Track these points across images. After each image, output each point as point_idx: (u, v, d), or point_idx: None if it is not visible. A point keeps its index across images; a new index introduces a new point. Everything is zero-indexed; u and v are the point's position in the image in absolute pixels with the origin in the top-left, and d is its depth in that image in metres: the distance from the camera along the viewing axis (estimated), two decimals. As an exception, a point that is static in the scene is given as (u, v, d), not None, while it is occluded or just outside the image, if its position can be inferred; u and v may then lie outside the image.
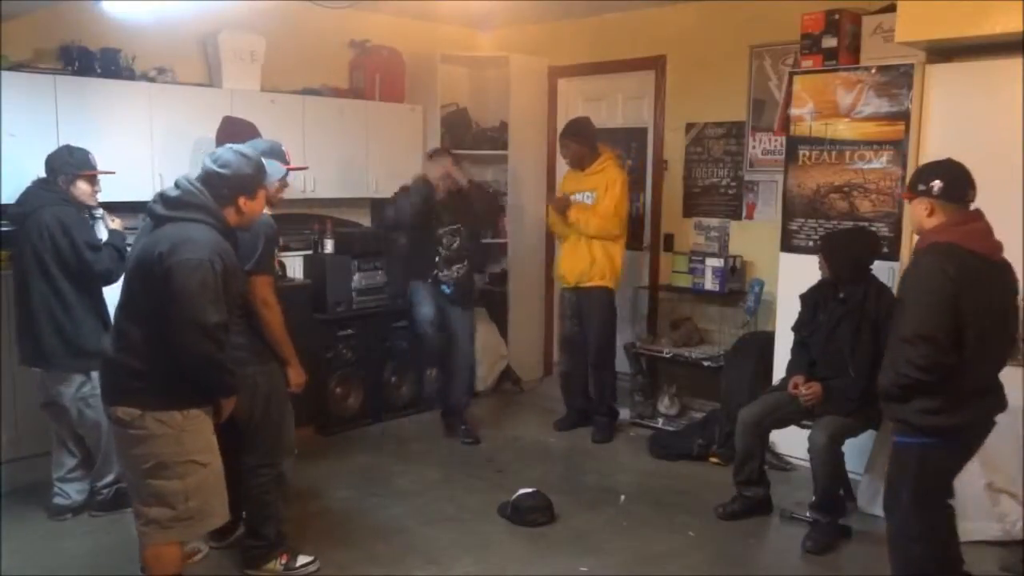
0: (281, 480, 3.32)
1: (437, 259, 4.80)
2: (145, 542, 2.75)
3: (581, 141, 4.91)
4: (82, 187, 3.68)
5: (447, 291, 4.82)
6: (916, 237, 2.91)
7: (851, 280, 3.71)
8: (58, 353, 3.57)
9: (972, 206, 2.80)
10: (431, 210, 4.73)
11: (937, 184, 2.74)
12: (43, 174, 3.72)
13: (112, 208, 3.88)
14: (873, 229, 4.08)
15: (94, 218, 3.76)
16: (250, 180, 2.77)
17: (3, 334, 3.95)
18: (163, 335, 2.56)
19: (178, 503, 2.67)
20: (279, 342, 3.23)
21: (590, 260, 4.89)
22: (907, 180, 2.94)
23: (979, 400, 2.77)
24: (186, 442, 2.65)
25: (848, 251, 3.74)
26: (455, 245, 4.83)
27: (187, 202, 2.66)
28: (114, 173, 3.86)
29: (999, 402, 2.84)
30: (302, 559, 3.36)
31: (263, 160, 2.91)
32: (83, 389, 3.58)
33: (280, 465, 3.30)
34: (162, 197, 2.70)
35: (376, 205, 5.62)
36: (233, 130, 3.96)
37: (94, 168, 3.74)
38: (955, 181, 2.76)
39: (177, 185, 2.71)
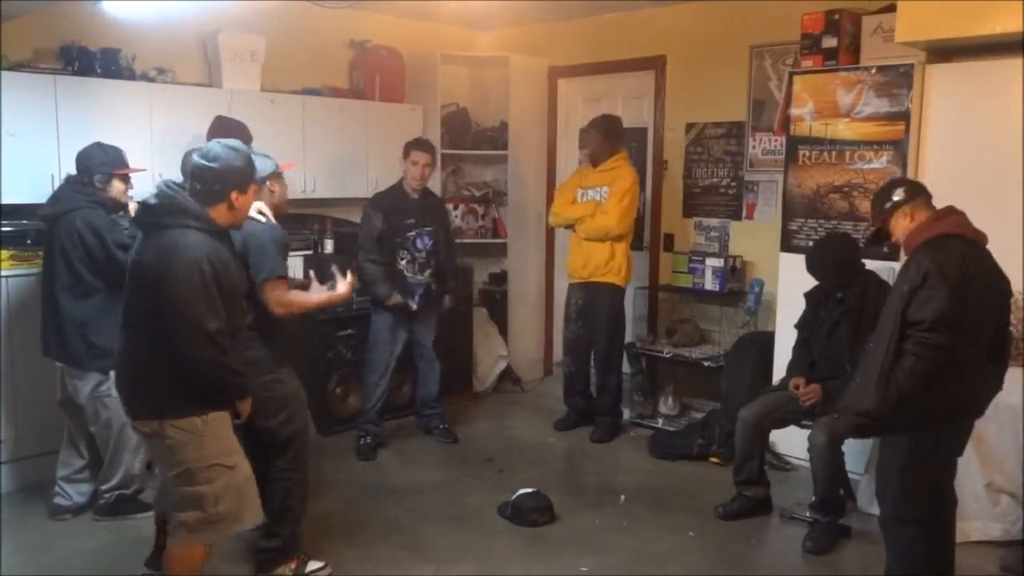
0: (305, 484, 3.32)
1: (405, 263, 4.62)
2: (173, 542, 2.75)
3: (605, 136, 4.91)
4: (117, 186, 3.71)
5: (413, 306, 4.63)
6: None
7: (841, 284, 3.72)
8: (80, 351, 3.59)
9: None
10: (400, 215, 4.60)
11: (899, 192, 2.93)
12: (57, 176, 3.74)
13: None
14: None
15: (125, 214, 3.76)
16: (240, 173, 2.70)
17: (2, 334, 3.96)
18: (165, 344, 2.55)
19: (208, 506, 2.66)
20: (320, 303, 3.23)
21: (608, 255, 4.86)
22: (872, 212, 3.09)
23: (975, 382, 2.79)
24: (208, 446, 2.64)
25: (826, 258, 3.78)
26: (427, 248, 4.66)
27: (168, 208, 2.60)
28: (145, 170, 3.87)
29: (994, 386, 2.86)
30: (313, 564, 3.32)
31: (253, 156, 2.84)
32: (100, 388, 3.60)
33: (307, 469, 3.31)
34: (143, 205, 2.66)
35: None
36: (225, 129, 3.96)
37: (128, 166, 3.76)
38: (912, 184, 3.01)
39: (157, 191, 2.65)
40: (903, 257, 3.97)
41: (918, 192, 2.93)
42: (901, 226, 2.92)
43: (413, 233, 4.63)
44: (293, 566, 3.28)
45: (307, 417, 3.34)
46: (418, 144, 4.68)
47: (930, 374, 2.65)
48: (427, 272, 4.68)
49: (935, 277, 2.66)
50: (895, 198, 2.91)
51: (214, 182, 2.64)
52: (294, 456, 3.23)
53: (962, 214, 2.85)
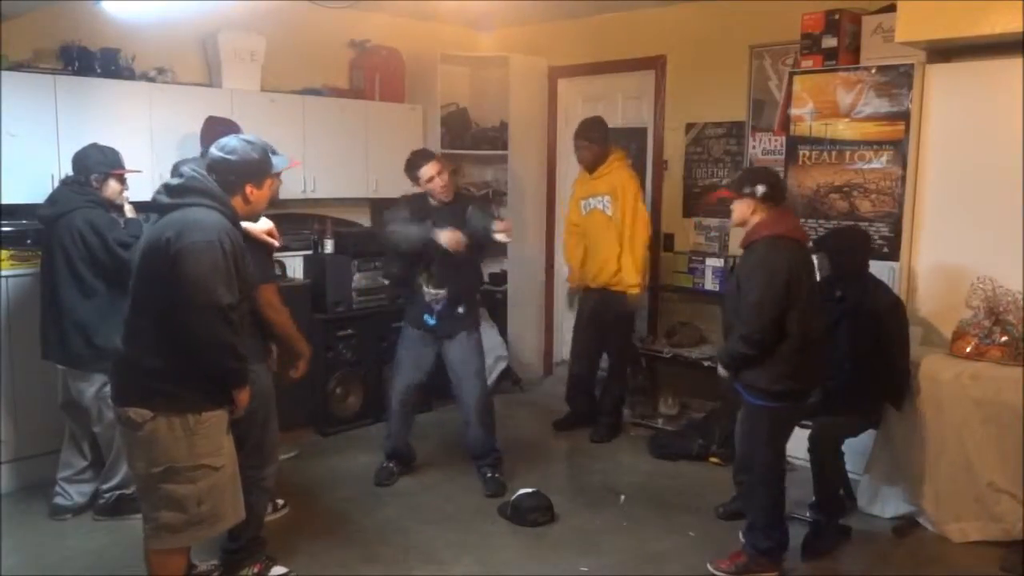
0: (263, 483, 3.22)
1: (424, 276, 4.12)
2: (154, 546, 2.68)
3: (595, 141, 4.88)
4: (113, 186, 3.72)
5: (430, 323, 4.12)
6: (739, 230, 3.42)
7: (851, 278, 3.71)
8: (83, 353, 3.59)
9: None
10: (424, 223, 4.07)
11: (761, 188, 3.19)
12: (57, 176, 3.74)
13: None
14: (873, 228, 4.09)
15: (121, 214, 3.77)
16: (257, 166, 2.73)
17: (2, 334, 3.96)
18: (175, 323, 2.50)
19: (190, 507, 2.61)
20: (292, 339, 3.27)
21: (620, 263, 4.84)
22: (733, 183, 3.43)
23: (814, 370, 3.25)
24: (198, 445, 2.60)
25: (849, 248, 3.75)
26: (447, 262, 4.06)
27: (191, 188, 2.62)
28: (141, 172, 3.89)
29: (820, 376, 3.34)
30: (277, 570, 3.27)
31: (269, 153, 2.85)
32: (104, 389, 3.58)
33: (264, 468, 3.21)
34: (166, 187, 2.67)
35: (376, 205, 5.62)
36: (218, 130, 3.95)
37: (124, 167, 3.77)
38: (776, 186, 3.25)
39: (181, 173, 2.68)
40: (902, 257, 4.00)
41: (774, 198, 3.21)
42: (741, 212, 3.26)
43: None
44: (256, 570, 3.23)
45: (270, 419, 3.23)
46: (421, 157, 4.11)
47: (756, 344, 3.12)
48: (446, 288, 4.11)
49: (758, 274, 3.11)
50: (755, 190, 3.19)
51: (229, 174, 2.68)
52: (251, 453, 3.13)
53: (794, 218, 3.32)
